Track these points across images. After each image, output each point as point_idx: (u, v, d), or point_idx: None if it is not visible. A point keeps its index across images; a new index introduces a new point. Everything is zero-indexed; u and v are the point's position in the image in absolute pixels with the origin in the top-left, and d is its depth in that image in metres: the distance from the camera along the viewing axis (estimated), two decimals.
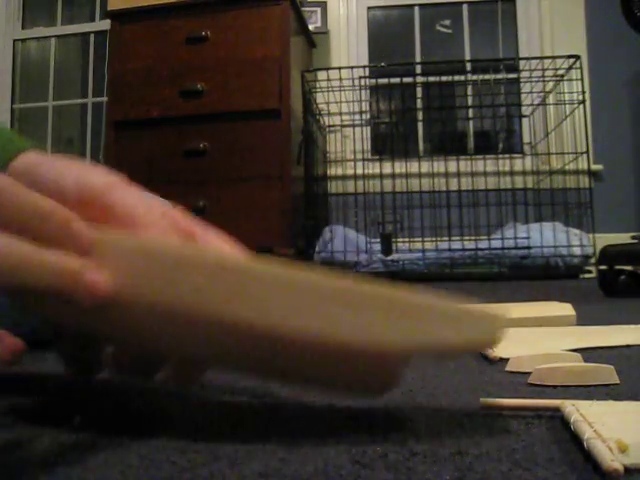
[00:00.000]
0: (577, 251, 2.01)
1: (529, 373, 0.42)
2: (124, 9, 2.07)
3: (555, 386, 0.40)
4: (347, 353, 0.28)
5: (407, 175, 2.37)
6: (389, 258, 2.06)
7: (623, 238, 1.94)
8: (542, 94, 2.37)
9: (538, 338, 0.59)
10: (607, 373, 0.41)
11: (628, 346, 0.56)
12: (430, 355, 0.32)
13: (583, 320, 0.71)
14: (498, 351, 0.50)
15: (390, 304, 0.28)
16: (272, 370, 0.31)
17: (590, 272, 2.06)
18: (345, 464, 0.25)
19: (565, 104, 2.27)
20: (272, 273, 0.27)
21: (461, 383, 0.41)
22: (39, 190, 0.28)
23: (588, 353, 0.51)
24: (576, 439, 0.28)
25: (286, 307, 0.27)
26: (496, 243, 2.03)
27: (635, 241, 1.31)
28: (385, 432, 0.30)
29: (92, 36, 2.98)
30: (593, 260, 1.97)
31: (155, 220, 0.31)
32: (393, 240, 2.17)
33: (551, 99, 2.38)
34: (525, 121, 2.53)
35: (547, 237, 2.00)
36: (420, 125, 2.65)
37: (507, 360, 0.47)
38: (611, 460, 0.24)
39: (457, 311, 0.28)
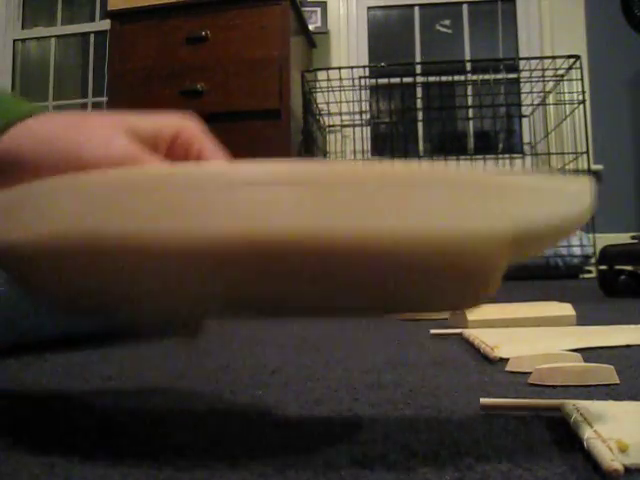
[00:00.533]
0: (577, 251, 2.01)
1: (529, 373, 0.42)
2: (124, 9, 2.07)
3: (555, 386, 0.40)
4: (445, 252, 0.23)
5: None
6: None
7: (623, 238, 1.94)
8: (542, 94, 2.36)
9: (538, 338, 0.59)
10: (607, 373, 0.41)
11: (628, 346, 0.56)
12: (530, 240, 0.25)
13: (583, 320, 0.71)
14: (498, 351, 0.50)
15: (483, 186, 0.23)
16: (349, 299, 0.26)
17: (590, 272, 2.06)
18: (345, 464, 0.25)
19: (565, 104, 2.27)
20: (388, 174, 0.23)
21: (461, 383, 0.41)
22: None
23: (588, 353, 0.51)
24: (576, 439, 0.28)
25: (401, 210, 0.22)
26: None
27: (635, 241, 1.30)
28: (385, 432, 0.30)
29: (92, 36, 2.98)
30: (593, 260, 1.97)
31: None
32: None
33: (551, 99, 2.38)
34: (525, 121, 2.53)
35: None
36: (420, 125, 2.65)
37: (507, 360, 0.47)
38: (611, 460, 0.24)
39: (547, 182, 0.24)
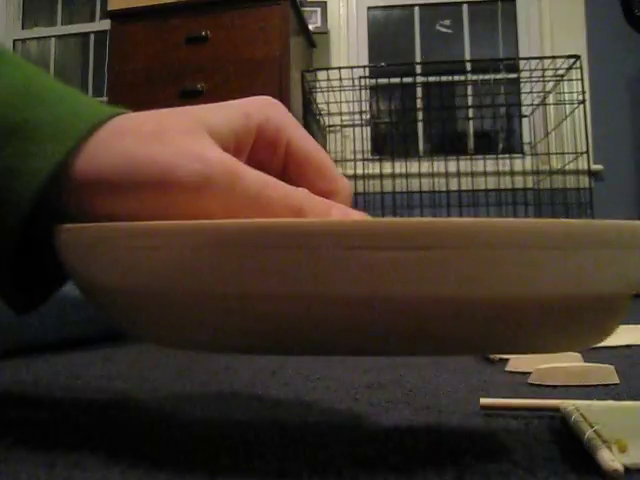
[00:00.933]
0: None
1: (529, 373, 0.42)
2: (124, 9, 2.08)
3: (555, 386, 0.40)
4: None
5: (407, 175, 2.37)
6: None
7: None
8: (542, 94, 2.37)
9: None
10: (607, 373, 0.41)
11: (628, 346, 0.56)
12: None
13: None
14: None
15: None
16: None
17: None
18: (346, 465, 0.25)
19: (565, 104, 2.27)
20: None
21: (461, 383, 0.41)
22: None
23: (588, 353, 0.51)
24: (576, 439, 0.28)
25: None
26: None
27: None
28: (385, 432, 0.30)
29: (92, 36, 2.98)
30: None
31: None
32: None
33: (551, 99, 2.39)
34: (525, 121, 2.54)
35: None
36: (420, 125, 2.65)
37: (507, 360, 0.47)
38: (611, 460, 0.24)
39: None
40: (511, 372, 0.46)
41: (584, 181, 2.21)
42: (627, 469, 0.24)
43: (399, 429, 0.30)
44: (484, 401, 0.33)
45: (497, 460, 0.26)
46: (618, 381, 0.41)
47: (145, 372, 0.47)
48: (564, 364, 0.42)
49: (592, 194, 2.14)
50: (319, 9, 2.56)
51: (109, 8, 2.12)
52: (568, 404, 0.31)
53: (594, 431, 0.27)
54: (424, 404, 0.35)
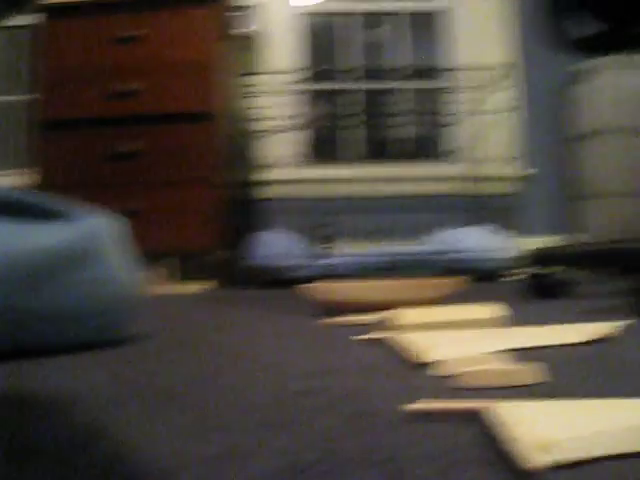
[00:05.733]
0: (506, 254, 2.07)
1: (455, 376, 0.43)
2: (55, 3, 2.00)
3: (480, 388, 0.41)
4: None
5: (341, 180, 2.39)
6: (324, 262, 2.06)
7: (552, 241, 2.01)
8: (474, 101, 2.43)
9: (469, 340, 0.59)
10: (532, 373, 0.42)
11: (560, 345, 0.57)
12: None
13: (515, 321, 0.73)
14: (424, 355, 0.50)
15: None
16: None
17: (520, 274, 2.12)
18: (275, 473, 0.24)
19: (497, 112, 2.34)
20: None
21: (387, 388, 0.41)
22: None
23: (521, 353, 0.52)
24: (499, 440, 0.28)
25: None
26: (428, 247, 2.07)
27: (566, 243, 1.33)
28: (314, 439, 0.29)
29: (23, 31, 2.86)
30: (522, 262, 2.03)
31: None
32: (328, 244, 2.18)
33: (483, 106, 2.45)
34: (458, 128, 2.60)
35: (477, 241, 2.06)
36: (353, 130, 2.67)
37: (434, 364, 0.47)
38: (532, 459, 0.24)
39: None
40: (437, 376, 0.46)
41: (514, 186, 2.27)
42: (549, 467, 0.24)
43: (328, 436, 0.30)
44: (410, 406, 0.33)
45: (422, 464, 0.25)
46: (545, 380, 0.42)
47: (135, 377, 0.46)
48: (488, 366, 0.43)
49: (521, 198, 2.21)
50: (253, 12, 2.54)
51: (40, 1, 2.03)
52: (492, 405, 0.32)
53: (515, 431, 0.27)
54: (351, 410, 0.35)
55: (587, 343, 0.59)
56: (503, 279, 2.08)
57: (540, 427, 0.28)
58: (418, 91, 2.38)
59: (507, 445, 0.27)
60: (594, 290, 1.32)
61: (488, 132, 2.43)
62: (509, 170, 2.25)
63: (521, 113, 2.46)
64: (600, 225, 2.26)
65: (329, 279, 1.69)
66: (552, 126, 2.57)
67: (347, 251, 2.16)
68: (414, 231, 2.35)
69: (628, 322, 0.73)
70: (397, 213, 2.36)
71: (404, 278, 1.04)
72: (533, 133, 2.52)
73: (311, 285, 0.95)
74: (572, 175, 2.44)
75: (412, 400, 0.34)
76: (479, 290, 1.50)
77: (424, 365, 0.49)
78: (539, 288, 1.19)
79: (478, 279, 2.01)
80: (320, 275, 1.99)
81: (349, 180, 2.40)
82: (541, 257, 1.21)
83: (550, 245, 1.34)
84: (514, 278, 2.11)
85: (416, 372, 0.47)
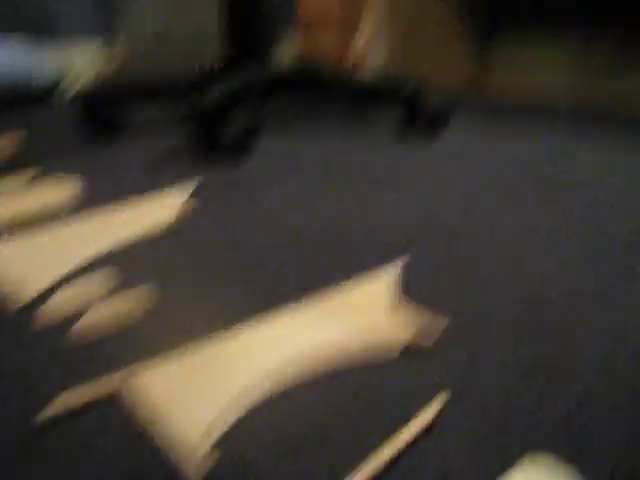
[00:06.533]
0: (46, 74, 1.89)
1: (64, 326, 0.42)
2: None
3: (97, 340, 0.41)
4: None
5: None
6: None
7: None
8: None
9: (47, 253, 0.55)
10: (138, 298, 0.44)
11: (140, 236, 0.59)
12: None
13: (86, 198, 0.70)
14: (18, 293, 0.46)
15: None
16: None
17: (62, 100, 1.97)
18: None
19: None
20: None
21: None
22: None
23: (106, 260, 0.53)
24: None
25: None
26: None
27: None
28: None
29: None
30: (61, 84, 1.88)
31: None
32: None
33: None
34: None
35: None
36: None
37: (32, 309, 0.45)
38: (201, 451, 0.29)
39: None
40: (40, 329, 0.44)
41: None
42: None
43: None
44: (42, 416, 0.33)
45: None
46: (149, 307, 0.45)
47: None
48: (99, 312, 0.43)
49: None
50: None
51: None
52: (127, 387, 0.34)
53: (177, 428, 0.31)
54: None
55: (167, 229, 0.62)
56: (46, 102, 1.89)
57: (192, 412, 0.32)
58: None
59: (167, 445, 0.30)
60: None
61: None
62: None
63: None
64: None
65: None
66: None
67: None
68: None
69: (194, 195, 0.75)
70: None
71: None
72: None
73: None
74: None
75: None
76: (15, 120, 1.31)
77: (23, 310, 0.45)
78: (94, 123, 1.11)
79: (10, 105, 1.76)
80: None
81: None
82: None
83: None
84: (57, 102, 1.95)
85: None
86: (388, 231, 0.60)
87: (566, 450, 0.29)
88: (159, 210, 0.66)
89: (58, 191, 0.71)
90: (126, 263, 0.54)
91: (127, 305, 0.44)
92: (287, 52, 1.93)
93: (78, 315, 0.43)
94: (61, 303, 0.45)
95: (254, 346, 0.38)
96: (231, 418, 0.32)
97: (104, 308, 0.44)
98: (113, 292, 0.47)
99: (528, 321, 0.42)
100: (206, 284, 0.49)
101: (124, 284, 0.49)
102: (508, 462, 0.28)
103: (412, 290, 0.47)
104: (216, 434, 0.31)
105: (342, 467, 0.28)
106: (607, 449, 0.29)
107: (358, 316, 0.41)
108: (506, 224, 0.62)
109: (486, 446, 0.29)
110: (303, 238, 0.58)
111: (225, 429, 0.31)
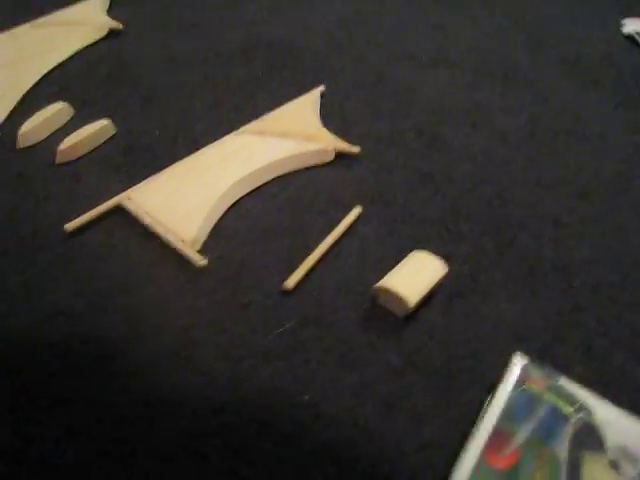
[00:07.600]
0: None
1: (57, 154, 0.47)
2: None
3: (79, 158, 0.48)
4: None
5: None
6: None
7: None
8: None
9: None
10: (104, 127, 0.50)
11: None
12: None
13: None
14: None
15: None
16: None
17: None
18: None
19: None
20: None
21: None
22: None
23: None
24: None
25: None
26: None
27: None
28: None
29: None
30: None
31: None
32: None
33: None
34: None
35: None
36: None
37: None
38: (197, 257, 0.40)
39: None
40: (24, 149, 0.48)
41: None
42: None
43: None
44: (68, 225, 0.42)
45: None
46: (114, 133, 0.51)
47: None
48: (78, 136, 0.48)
49: None
50: None
51: None
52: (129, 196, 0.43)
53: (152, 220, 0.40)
54: None
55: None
56: None
57: (186, 221, 0.41)
58: None
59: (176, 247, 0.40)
60: None
61: None
62: None
63: None
64: None
65: None
66: None
67: None
68: None
69: None
70: None
71: None
72: None
73: None
74: None
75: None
76: None
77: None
78: None
79: None
80: None
81: None
82: None
83: None
84: None
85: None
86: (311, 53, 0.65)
87: (452, 233, 0.43)
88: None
89: None
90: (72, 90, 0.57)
91: (94, 130, 0.49)
92: None
93: (53, 141, 0.49)
94: (35, 130, 0.50)
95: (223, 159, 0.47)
96: (213, 221, 0.43)
97: (76, 134, 0.49)
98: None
99: (428, 134, 0.53)
100: (157, 108, 0.55)
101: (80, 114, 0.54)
102: (409, 246, 0.42)
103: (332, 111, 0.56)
104: (204, 234, 0.42)
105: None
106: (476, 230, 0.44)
107: (299, 133, 0.50)
108: (416, 29, 0.69)
109: (393, 234, 0.43)
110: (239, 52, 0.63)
111: (209, 230, 0.42)
